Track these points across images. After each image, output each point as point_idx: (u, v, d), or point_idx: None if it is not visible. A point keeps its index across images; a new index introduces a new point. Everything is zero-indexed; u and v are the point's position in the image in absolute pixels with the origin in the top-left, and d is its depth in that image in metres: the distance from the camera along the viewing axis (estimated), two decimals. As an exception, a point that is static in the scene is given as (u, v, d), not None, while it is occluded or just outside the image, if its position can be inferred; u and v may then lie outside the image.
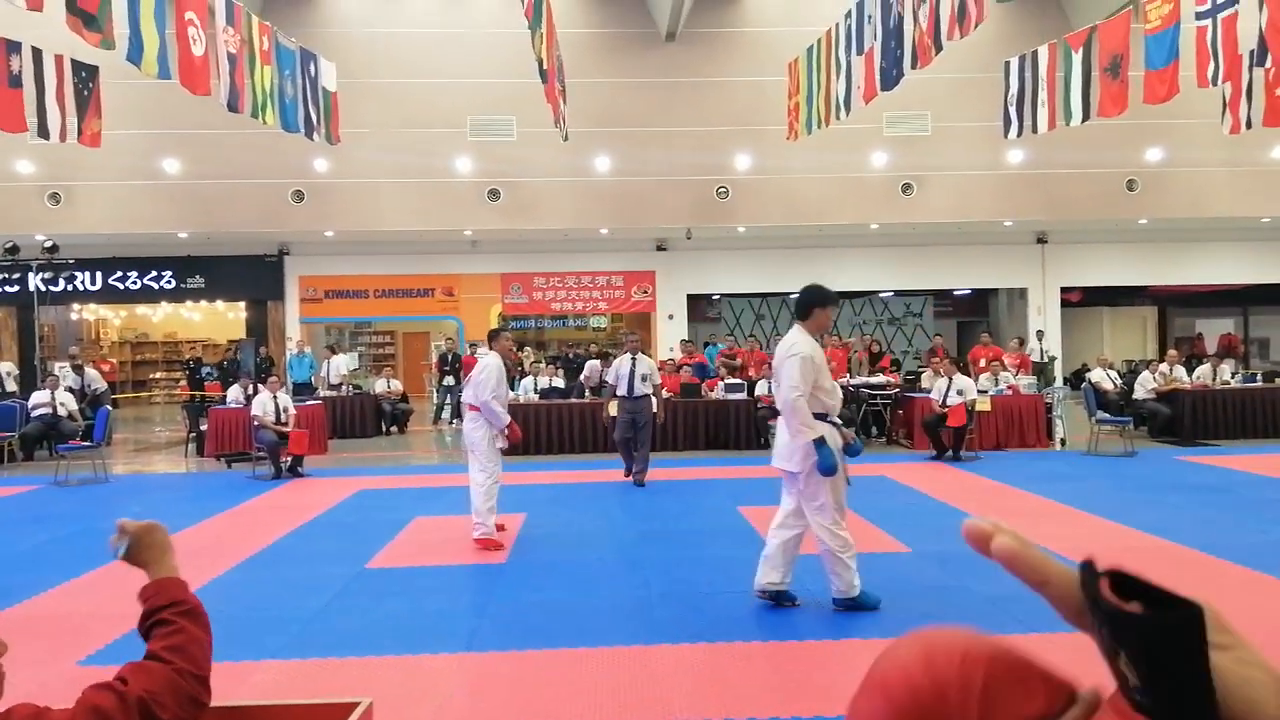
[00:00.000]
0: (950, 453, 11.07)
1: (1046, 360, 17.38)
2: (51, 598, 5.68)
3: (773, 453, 5.30)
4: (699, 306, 21.04)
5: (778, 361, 5.13)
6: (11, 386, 13.96)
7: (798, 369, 4.94)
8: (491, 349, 7.32)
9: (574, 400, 12.99)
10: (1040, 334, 18.00)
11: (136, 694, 1.42)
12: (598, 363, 13.45)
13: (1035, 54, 10.09)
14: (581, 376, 13.52)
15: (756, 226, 17.58)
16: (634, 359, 9.65)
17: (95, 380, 14.35)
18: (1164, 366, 13.46)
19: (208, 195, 16.52)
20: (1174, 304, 22.62)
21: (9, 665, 4.19)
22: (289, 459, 10.58)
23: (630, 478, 9.66)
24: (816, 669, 4.24)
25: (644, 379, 9.61)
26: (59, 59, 9.99)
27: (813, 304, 5.28)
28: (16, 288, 16.84)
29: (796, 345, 5.05)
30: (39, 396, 12.37)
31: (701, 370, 14.46)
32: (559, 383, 14.03)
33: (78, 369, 14.20)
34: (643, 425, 9.58)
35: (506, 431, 7.08)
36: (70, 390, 12.98)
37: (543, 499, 8.78)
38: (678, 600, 5.38)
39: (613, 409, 10.02)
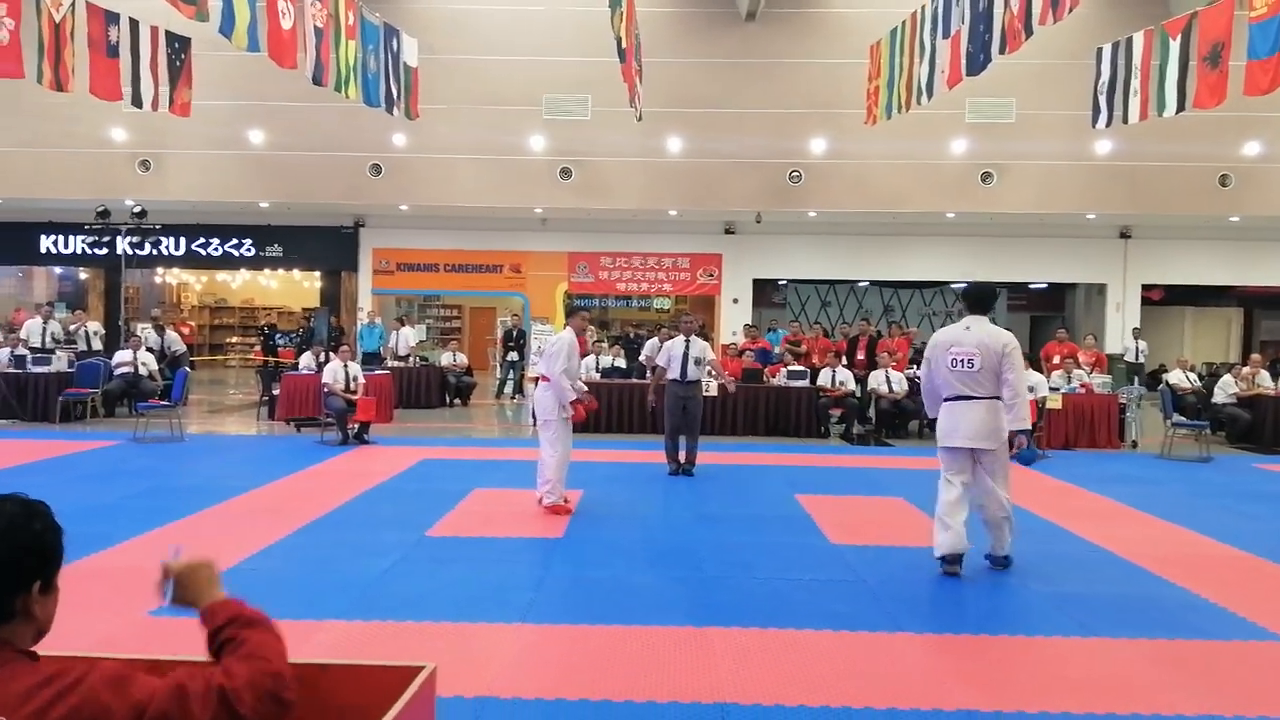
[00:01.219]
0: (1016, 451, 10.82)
1: (1141, 359, 16.82)
2: (126, 550, 5.92)
3: (957, 433, 5.69)
4: (764, 291, 20.87)
5: (998, 351, 5.62)
6: (97, 345, 14.52)
7: (1022, 359, 5.75)
8: (567, 324, 7.51)
9: (635, 380, 13.02)
10: (1136, 331, 17.41)
11: (218, 683, 1.47)
12: (657, 341, 13.30)
13: (1130, 40, 9.72)
14: (642, 356, 13.43)
15: (828, 212, 17.34)
16: (688, 341, 9.21)
17: (175, 342, 14.86)
18: (1246, 370, 12.94)
19: (289, 166, 16.91)
20: (1261, 306, 21.70)
21: (83, 614, 4.37)
22: (356, 426, 10.83)
23: (674, 474, 9.11)
24: (868, 660, 4.21)
25: (698, 363, 9.15)
26: (154, 30, 10.30)
27: (994, 297, 6.24)
28: (105, 250, 17.47)
29: (1009, 337, 5.74)
30: (122, 355, 12.86)
31: (764, 356, 14.35)
32: (621, 363, 14.08)
33: (159, 330, 14.72)
34: (694, 412, 9.19)
35: (569, 407, 7.26)
36: (150, 351, 13.47)
37: (601, 477, 8.84)
38: (731, 584, 5.38)
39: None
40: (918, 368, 13.29)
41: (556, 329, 18.33)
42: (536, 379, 7.64)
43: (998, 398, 5.61)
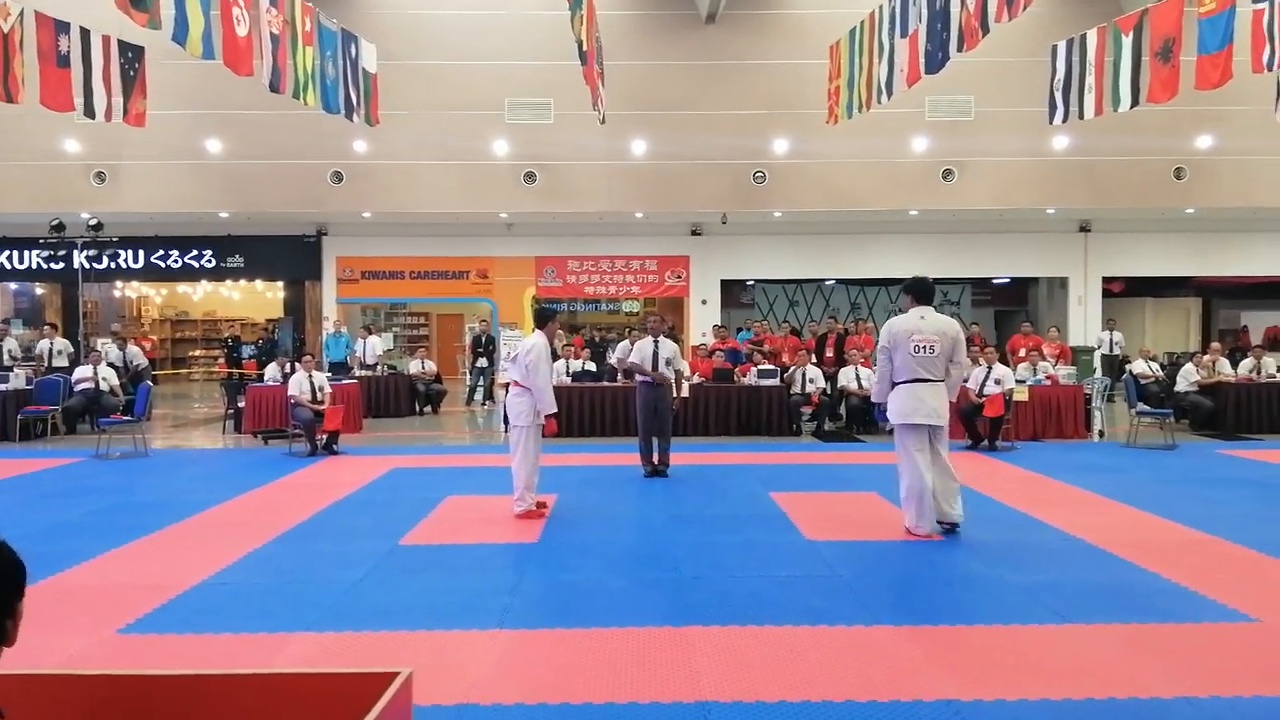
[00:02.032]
0: (985, 442, 10.94)
1: (1117, 351, 16.99)
2: (92, 567, 5.79)
3: (919, 412, 6.39)
4: (733, 292, 20.94)
5: (952, 337, 6.48)
6: (62, 363, 14.22)
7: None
8: (542, 330, 7.46)
9: (606, 384, 12.99)
10: (1111, 323, 17.62)
11: None
12: (627, 344, 13.22)
13: (1084, 37, 9.87)
14: (613, 360, 13.37)
15: (793, 212, 17.44)
16: (657, 342, 9.15)
17: (136, 356, 14.61)
18: (1207, 359, 13.19)
19: (248, 175, 16.70)
20: (1219, 295, 22.14)
21: (51, 633, 4.28)
22: (324, 437, 10.70)
23: (649, 475, 9.03)
24: (848, 654, 4.21)
25: (667, 363, 9.10)
26: (106, 39, 10.12)
27: (934, 289, 6.87)
28: (62, 265, 17.16)
29: (957, 325, 6.66)
30: (82, 371, 12.63)
31: (734, 356, 14.38)
32: (591, 366, 14.03)
33: (120, 344, 14.47)
34: (664, 413, 9.13)
35: (542, 417, 7.21)
36: (112, 366, 13.22)
37: (574, 481, 8.80)
38: (709, 583, 5.37)
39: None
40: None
41: (525, 334, 18.27)
42: (506, 385, 7.56)
43: (942, 380, 6.47)
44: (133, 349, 14.74)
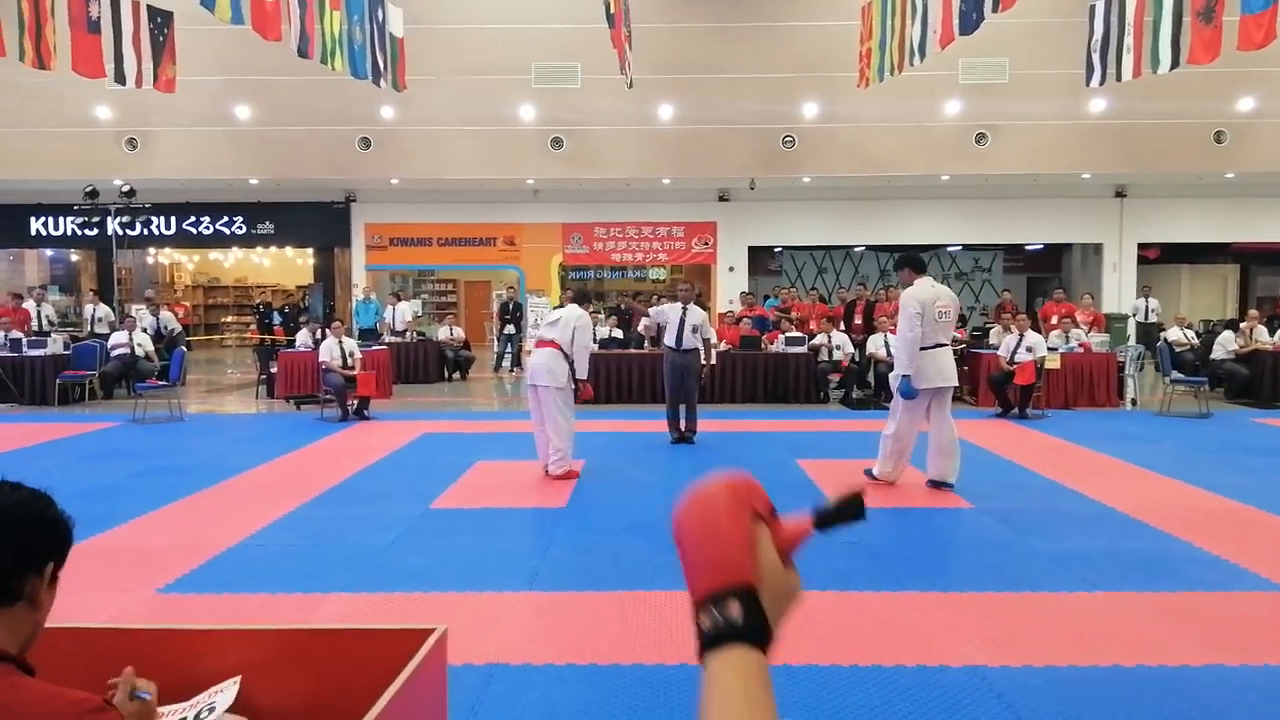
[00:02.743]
0: (1016, 410, 10.86)
1: (1154, 318, 16.79)
2: (131, 529, 5.92)
3: (942, 375, 6.84)
4: (760, 259, 20.80)
5: (957, 304, 7.12)
6: (103, 329, 14.42)
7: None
8: (581, 306, 7.66)
9: (633, 350, 13.00)
10: (1147, 290, 17.36)
11: None
12: (660, 308, 13.14)
13: (1123, -3, 9.63)
14: (641, 326, 13.34)
15: (822, 177, 17.25)
16: (685, 309, 9.08)
17: (170, 322, 14.81)
18: (1244, 325, 12.96)
19: (278, 142, 16.75)
20: (1257, 262, 21.68)
21: (94, 591, 4.39)
22: (355, 402, 10.82)
23: (675, 442, 9.09)
24: (874, 619, 4.23)
25: (694, 330, 9.04)
26: (135, 5, 10.16)
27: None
28: (95, 231, 17.33)
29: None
30: (117, 337, 12.82)
31: (761, 323, 14.33)
32: (619, 333, 14.05)
33: (154, 311, 14.66)
34: (691, 379, 9.11)
35: (582, 385, 7.50)
36: (146, 331, 13.42)
37: (601, 446, 8.84)
38: (736, 548, 5.39)
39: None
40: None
41: (552, 302, 18.29)
42: (539, 344, 7.60)
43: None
44: (166, 314, 14.93)
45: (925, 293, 6.81)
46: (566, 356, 7.33)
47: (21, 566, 1.39)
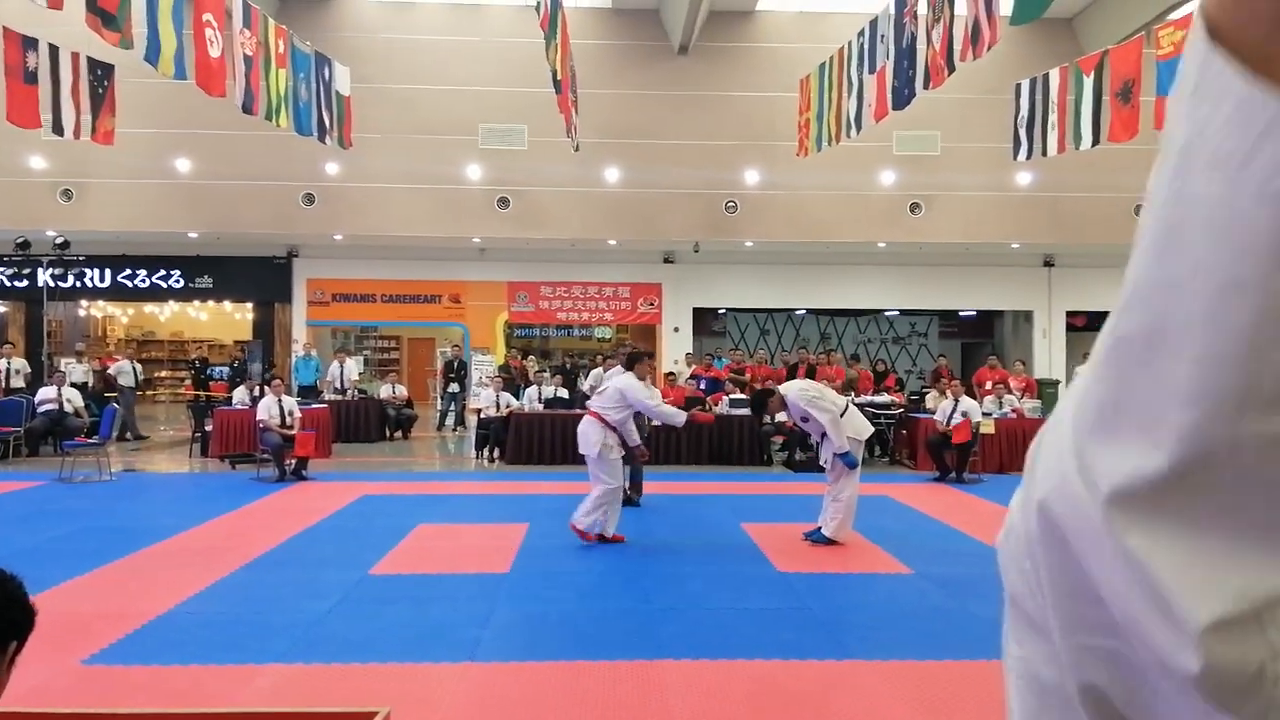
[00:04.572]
0: (954, 474, 11.07)
1: None
2: (55, 595, 5.68)
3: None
4: (705, 320, 21.06)
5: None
6: (19, 383, 13.96)
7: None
8: (631, 370, 7.65)
9: (578, 410, 12.97)
10: (1085, 357, 17.87)
11: None
12: (601, 370, 13.22)
13: (1046, 77, 10.14)
14: (585, 386, 13.40)
15: (764, 242, 17.61)
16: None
17: (124, 373, 14.48)
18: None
19: (218, 196, 16.58)
20: (1179, 330, 22.58)
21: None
22: (293, 462, 10.60)
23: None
24: (820, 688, 4.25)
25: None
26: (75, 56, 10.04)
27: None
28: (26, 282, 16.90)
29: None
30: (46, 392, 12.42)
31: (715, 385, 14.43)
32: (564, 393, 14.05)
33: (97, 361, 14.25)
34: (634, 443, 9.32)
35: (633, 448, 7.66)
36: (75, 386, 13.03)
37: (545, 509, 8.77)
38: (680, 615, 5.38)
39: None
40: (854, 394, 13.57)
41: (497, 360, 18.24)
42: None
43: None
44: (123, 364, 14.63)
45: (806, 386, 7.53)
46: (612, 426, 7.32)
47: None
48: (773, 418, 12.59)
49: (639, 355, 8.18)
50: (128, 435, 14.46)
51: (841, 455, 7.10)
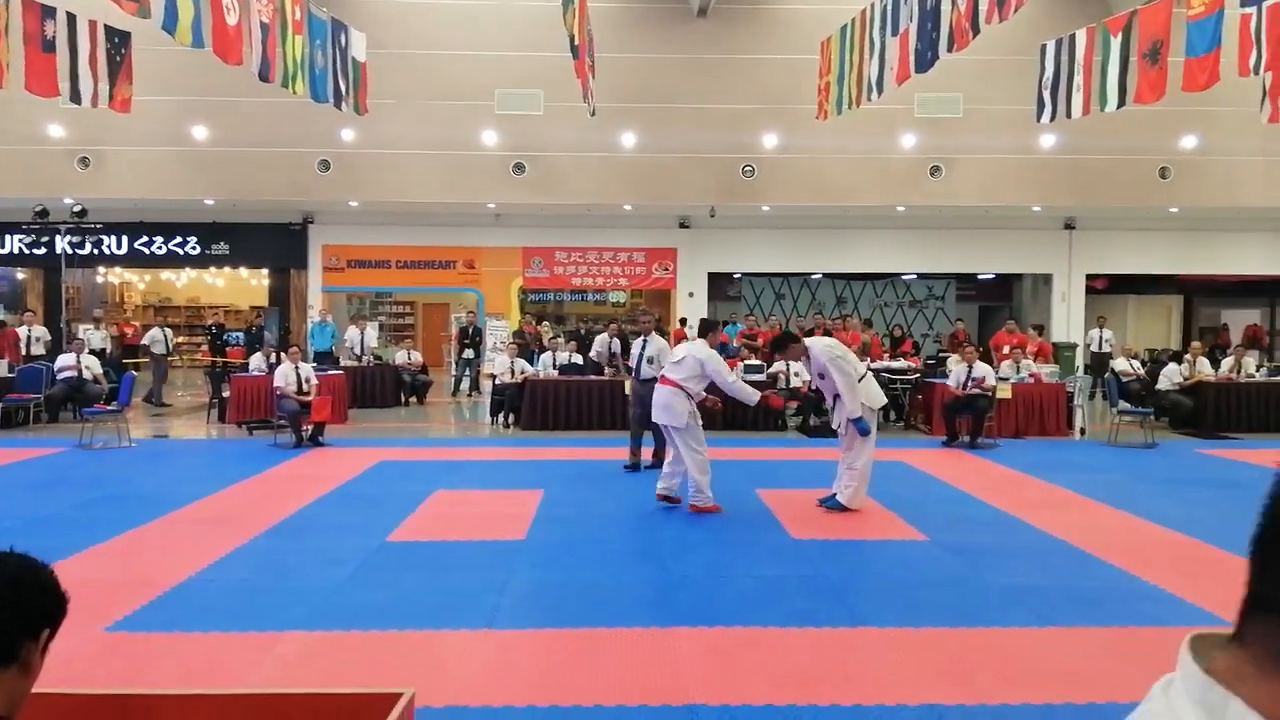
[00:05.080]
0: (967, 439, 11.03)
1: (1107, 348, 17.09)
2: (76, 563, 5.77)
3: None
4: (720, 285, 20.98)
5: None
6: (39, 350, 14.10)
7: None
8: (704, 339, 7.62)
9: (592, 377, 12.99)
10: (1101, 320, 17.75)
11: None
12: (606, 337, 13.17)
13: (1073, 37, 9.91)
14: (593, 352, 13.31)
15: (781, 206, 17.47)
16: (645, 340, 9.24)
17: (157, 341, 14.65)
18: (1188, 357, 13.32)
19: (235, 162, 16.57)
20: (1200, 294, 22.35)
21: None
22: (310, 428, 10.67)
23: (630, 469, 9.15)
24: (834, 656, 4.26)
25: (650, 361, 9.07)
26: (92, 24, 10.01)
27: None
28: (44, 250, 17.00)
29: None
30: (65, 359, 12.53)
31: (723, 350, 14.39)
32: (579, 359, 14.04)
33: (115, 327, 14.35)
34: (648, 409, 9.26)
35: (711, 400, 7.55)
36: (93, 352, 13.14)
37: (561, 475, 8.82)
38: (695, 583, 5.41)
39: (628, 388, 9.90)
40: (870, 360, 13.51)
41: (511, 325, 18.24)
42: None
43: None
44: (154, 331, 14.80)
45: (833, 344, 7.33)
46: (687, 394, 7.25)
47: (21, 631, 1.42)
48: (773, 370, 12.55)
49: (713, 323, 8.15)
50: (151, 400, 14.63)
51: (855, 421, 7.04)
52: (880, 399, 7.47)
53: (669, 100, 16.73)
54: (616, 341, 12.81)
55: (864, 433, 7.08)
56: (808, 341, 7.39)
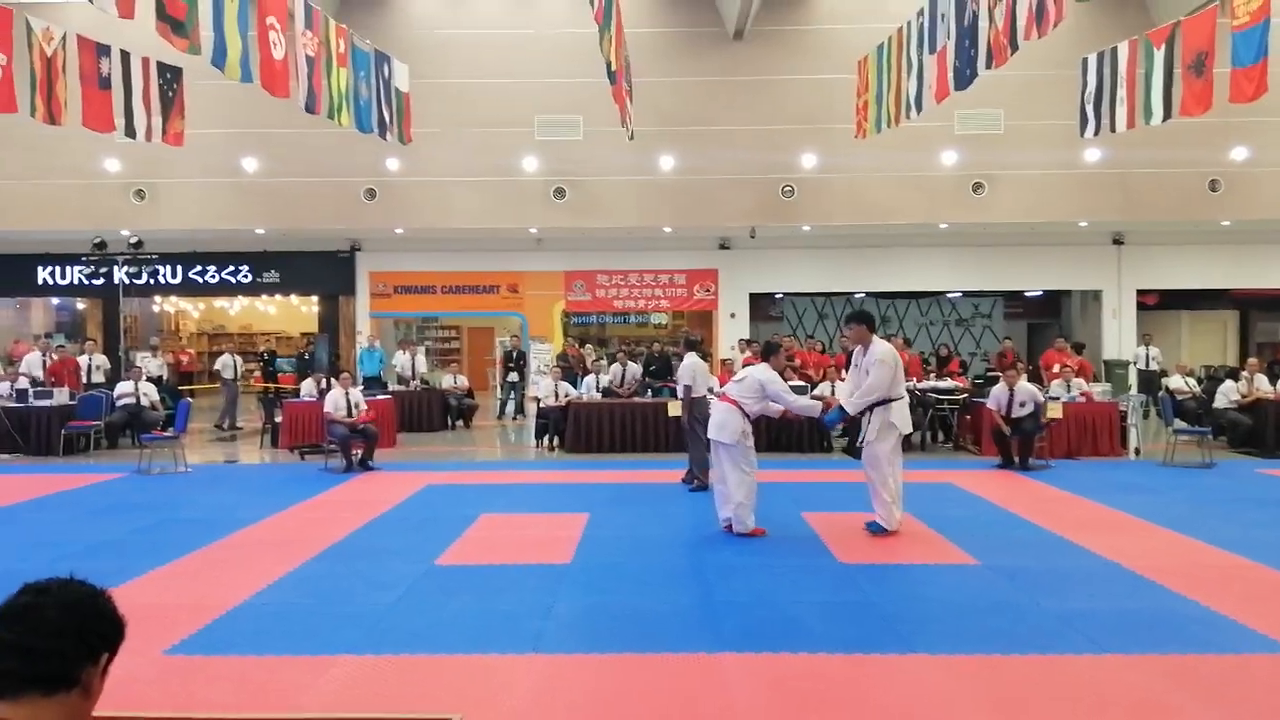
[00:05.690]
0: (1018, 461, 10.83)
1: (1154, 366, 16.80)
2: (136, 586, 5.92)
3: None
4: (761, 305, 20.94)
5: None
6: (99, 379, 14.50)
7: None
8: (767, 361, 7.71)
9: (636, 399, 13.03)
10: (1148, 338, 17.44)
11: None
12: (618, 366, 13.86)
13: (1115, 50, 9.80)
14: (616, 380, 13.78)
15: (821, 225, 17.42)
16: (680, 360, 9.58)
17: (228, 366, 15.09)
18: (1245, 374, 12.98)
19: (284, 193, 16.96)
20: (1257, 308, 21.78)
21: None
22: (359, 453, 10.84)
23: (695, 489, 9.30)
24: (886, 684, 4.22)
25: (679, 382, 9.54)
26: (145, 61, 10.33)
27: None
28: (103, 281, 17.48)
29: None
30: (123, 387, 12.87)
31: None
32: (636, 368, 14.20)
33: (170, 354, 14.72)
34: (693, 429, 9.33)
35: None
36: (150, 380, 13.48)
37: (605, 499, 8.85)
38: (742, 608, 5.39)
39: (674, 409, 10.01)
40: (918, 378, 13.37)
41: (555, 348, 18.36)
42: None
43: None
44: (225, 358, 15.47)
45: (894, 352, 7.37)
46: (744, 413, 7.34)
47: (82, 656, 1.50)
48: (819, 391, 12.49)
49: (775, 346, 8.25)
50: (223, 425, 15.08)
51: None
52: (908, 426, 7.44)
53: (707, 123, 16.82)
54: (638, 369, 13.06)
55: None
56: (878, 339, 7.44)
